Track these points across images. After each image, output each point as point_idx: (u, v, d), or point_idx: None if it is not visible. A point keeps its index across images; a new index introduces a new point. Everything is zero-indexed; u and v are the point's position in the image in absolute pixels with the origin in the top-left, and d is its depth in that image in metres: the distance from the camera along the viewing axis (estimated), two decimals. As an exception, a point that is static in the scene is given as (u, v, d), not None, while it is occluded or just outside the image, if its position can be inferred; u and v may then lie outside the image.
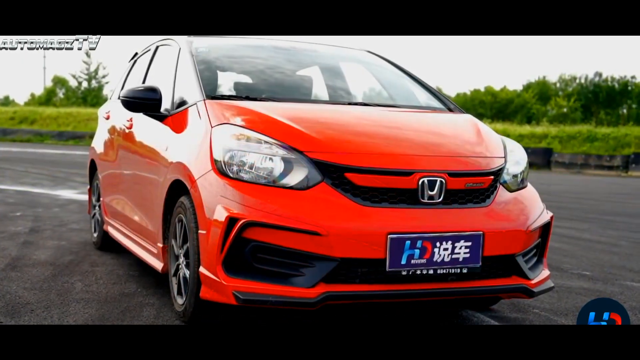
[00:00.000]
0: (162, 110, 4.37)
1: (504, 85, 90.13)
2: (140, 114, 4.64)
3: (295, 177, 3.40)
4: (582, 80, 68.12)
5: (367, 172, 3.39)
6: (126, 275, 5.05)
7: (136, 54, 6.25)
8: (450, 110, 4.56)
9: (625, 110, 65.40)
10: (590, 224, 9.27)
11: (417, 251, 3.33)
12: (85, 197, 10.13)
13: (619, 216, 10.58)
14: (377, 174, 3.40)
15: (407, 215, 3.38)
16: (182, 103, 4.25)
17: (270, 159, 3.44)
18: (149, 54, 5.48)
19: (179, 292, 3.92)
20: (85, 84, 60.76)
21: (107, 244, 5.92)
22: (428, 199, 3.44)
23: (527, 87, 67.76)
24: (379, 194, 3.39)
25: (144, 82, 5.28)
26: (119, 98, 5.98)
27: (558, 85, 69.66)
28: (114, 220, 5.51)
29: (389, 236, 3.28)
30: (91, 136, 36.06)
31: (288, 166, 3.42)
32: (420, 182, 3.43)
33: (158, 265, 4.27)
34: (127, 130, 5.12)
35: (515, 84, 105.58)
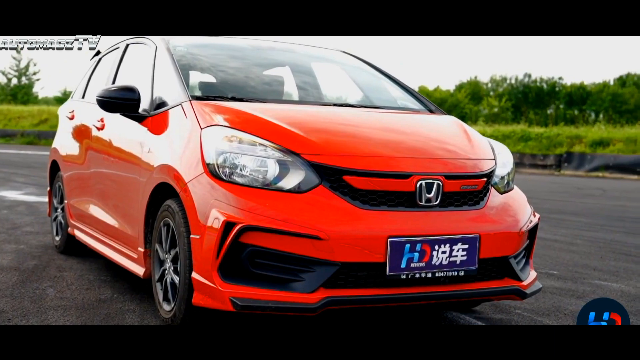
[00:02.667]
0: (140, 110, 4.23)
1: (437, 85, 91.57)
2: (115, 115, 4.47)
3: (292, 180, 3.34)
4: (512, 81, 69.95)
5: (365, 175, 3.35)
6: (98, 280, 4.89)
7: (99, 52, 6.07)
8: (432, 111, 4.56)
9: (552, 111, 67.28)
10: (542, 223, 9.42)
11: (416, 254, 3.31)
12: (33, 198, 9.85)
13: (565, 214, 10.83)
14: (375, 177, 3.36)
15: (406, 218, 3.36)
16: (163, 104, 4.11)
17: (265, 161, 3.36)
18: (118, 53, 5.30)
19: (165, 299, 3.80)
20: (15, 81, 58.83)
21: (71, 248, 5.73)
22: (425, 202, 3.43)
23: (460, 87, 69.00)
24: (378, 197, 3.36)
25: (114, 81, 5.09)
26: (83, 97, 5.81)
27: (489, 85, 71.21)
28: (82, 223, 5.32)
29: (389, 240, 3.25)
30: (23, 134, 34.61)
31: (284, 169, 3.35)
32: (418, 185, 3.41)
33: (139, 270, 4.12)
34: (98, 131, 4.94)
35: (448, 84, 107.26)
